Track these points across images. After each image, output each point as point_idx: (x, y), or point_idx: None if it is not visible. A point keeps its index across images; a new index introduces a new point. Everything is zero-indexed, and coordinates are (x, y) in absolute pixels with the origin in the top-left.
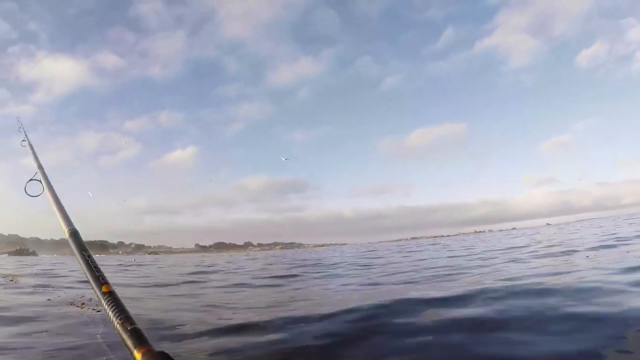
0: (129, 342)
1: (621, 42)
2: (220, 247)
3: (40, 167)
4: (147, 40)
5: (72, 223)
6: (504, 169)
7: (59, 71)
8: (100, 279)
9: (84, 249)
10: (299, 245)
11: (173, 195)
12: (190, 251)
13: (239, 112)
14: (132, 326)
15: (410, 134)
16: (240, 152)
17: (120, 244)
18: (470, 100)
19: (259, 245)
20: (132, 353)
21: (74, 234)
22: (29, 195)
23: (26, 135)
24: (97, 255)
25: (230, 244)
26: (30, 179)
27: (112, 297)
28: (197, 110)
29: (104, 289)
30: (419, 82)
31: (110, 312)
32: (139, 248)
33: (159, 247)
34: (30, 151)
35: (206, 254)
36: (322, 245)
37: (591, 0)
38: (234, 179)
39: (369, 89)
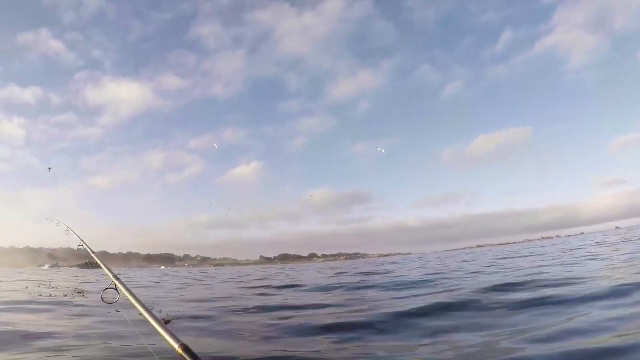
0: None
1: None
2: (284, 258)
3: (117, 277)
4: (207, 61)
5: (179, 339)
6: (571, 172)
7: (124, 94)
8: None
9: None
10: (364, 256)
11: (239, 209)
12: (255, 263)
13: (301, 127)
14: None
15: (473, 141)
16: (303, 166)
17: (187, 256)
18: (533, 103)
19: (324, 256)
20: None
21: (186, 349)
22: (105, 302)
23: (92, 252)
24: (163, 267)
25: (294, 255)
26: (107, 288)
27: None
28: (260, 127)
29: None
30: (480, 87)
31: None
32: (205, 260)
33: (224, 259)
34: (102, 265)
35: (270, 266)
36: (386, 255)
37: None
38: (299, 192)
39: (430, 98)
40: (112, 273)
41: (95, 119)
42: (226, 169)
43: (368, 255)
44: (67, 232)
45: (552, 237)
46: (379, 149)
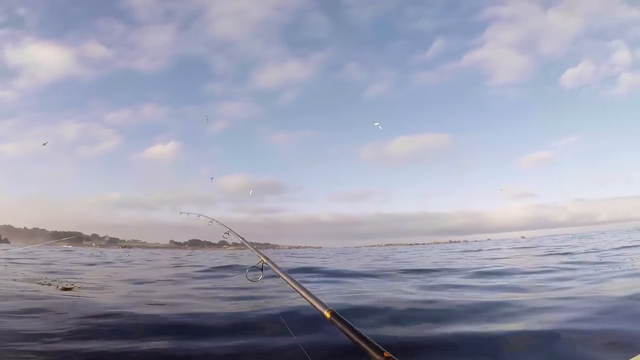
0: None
1: (607, 64)
2: (195, 244)
3: (267, 258)
4: (136, 33)
5: (326, 305)
6: (483, 182)
7: (44, 58)
8: (375, 347)
9: (347, 324)
10: (274, 246)
11: (151, 190)
12: (165, 247)
13: (223, 110)
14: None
15: (392, 141)
16: (221, 151)
17: (95, 236)
18: (454, 112)
19: (234, 244)
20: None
21: (333, 314)
22: (250, 280)
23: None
24: (70, 247)
25: (205, 241)
26: (253, 266)
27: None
28: (181, 106)
29: (385, 354)
30: (404, 91)
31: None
32: (113, 241)
33: (133, 241)
34: (249, 247)
35: (181, 251)
36: (297, 247)
37: (582, 21)
38: (214, 177)
39: (354, 95)
40: (260, 252)
41: (11, 81)
42: (142, 146)
43: (278, 245)
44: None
45: (459, 241)
46: (376, 124)
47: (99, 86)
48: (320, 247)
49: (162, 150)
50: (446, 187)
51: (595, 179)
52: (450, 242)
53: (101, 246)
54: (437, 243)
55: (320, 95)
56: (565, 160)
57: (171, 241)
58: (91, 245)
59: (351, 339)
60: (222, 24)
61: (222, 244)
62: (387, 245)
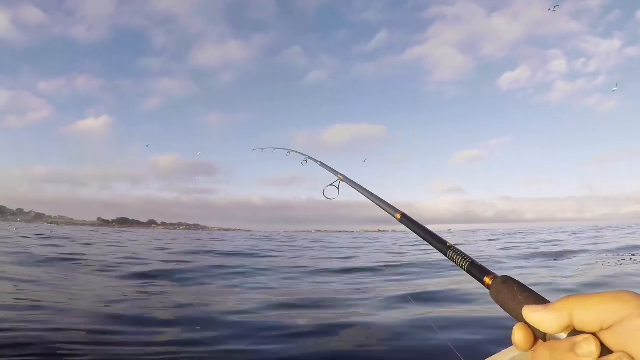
0: (478, 274)
1: (543, 71)
2: (123, 222)
3: (343, 176)
4: None
5: (398, 209)
6: (416, 174)
7: None
8: (440, 241)
9: (417, 224)
10: (204, 228)
11: (80, 165)
12: (92, 224)
13: (159, 87)
14: (476, 263)
15: (328, 128)
16: (154, 128)
17: (20, 211)
18: (393, 104)
19: (163, 224)
20: (482, 281)
21: (403, 216)
22: (327, 198)
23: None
24: None
25: (133, 220)
26: (330, 184)
27: (454, 249)
28: (116, 79)
29: (448, 244)
30: (344, 80)
31: (457, 261)
32: (39, 217)
33: (60, 217)
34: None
35: (108, 229)
36: (226, 230)
37: (524, 28)
38: (145, 155)
39: (293, 80)
40: (339, 173)
41: None
42: (73, 119)
43: (208, 227)
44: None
45: (387, 231)
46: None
47: (33, 52)
48: (250, 231)
49: (94, 124)
50: (379, 176)
51: (521, 180)
52: (379, 230)
53: (26, 221)
54: (366, 231)
55: (259, 78)
56: (494, 160)
57: (99, 218)
58: (16, 221)
59: (420, 235)
60: None
61: (151, 223)
62: (317, 231)
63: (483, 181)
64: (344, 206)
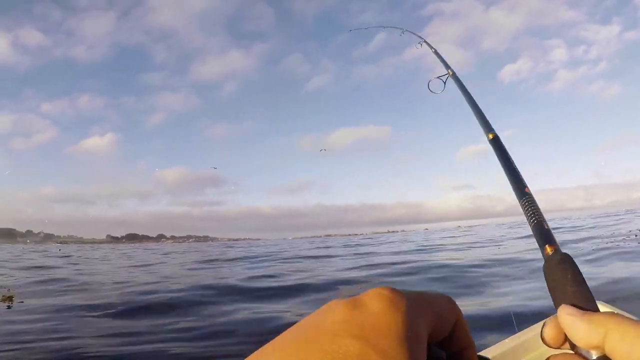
0: (540, 239)
1: (545, 61)
2: (132, 238)
3: (453, 71)
4: (74, 19)
5: (492, 128)
6: (424, 173)
7: None
8: (520, 182)
9: (505, 153)
10: (213, 239)
11: (87, 184)
12: (102, 242)
13: (162, 102)
14: (545, 226)
15: (332, 132)
16: (160, 143)
17: (29, 232)
18: (396, 105)
19: (172, 237)
20: (542, 248)
21: (495, 139)
22: (432, 91)
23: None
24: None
25: (142, 235)
26: (438, 77)
27: (530, 199)
28: (119, 97)
29: (526, 190)
30: (347, 83)
31: (527, 212)
32: (48, 237)
33: (69, 236)
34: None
35: (118, 245)
36: (235, 240)
37: (523, 19)
38: (152, 170)
39: (296, 87)
40: (448, 64)
41: None
42: (78, 138)
43: (217, 238)
44: None
45: (397, 231)
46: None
47: (35, 75)
48: (258, 239)
49: (99, 142)
50: (386, 178)
51: (528, 172)
52: (389, 232)
53: (35, 242)
54: (376, 233)
55: (261, 87)
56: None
57: (108, 236)
58: (26, 243)
59: (502, 166)
60: (164, 13)
61: (160, 237)
62: (326, 236)
63: (490, 176)
64: (352, 210)
